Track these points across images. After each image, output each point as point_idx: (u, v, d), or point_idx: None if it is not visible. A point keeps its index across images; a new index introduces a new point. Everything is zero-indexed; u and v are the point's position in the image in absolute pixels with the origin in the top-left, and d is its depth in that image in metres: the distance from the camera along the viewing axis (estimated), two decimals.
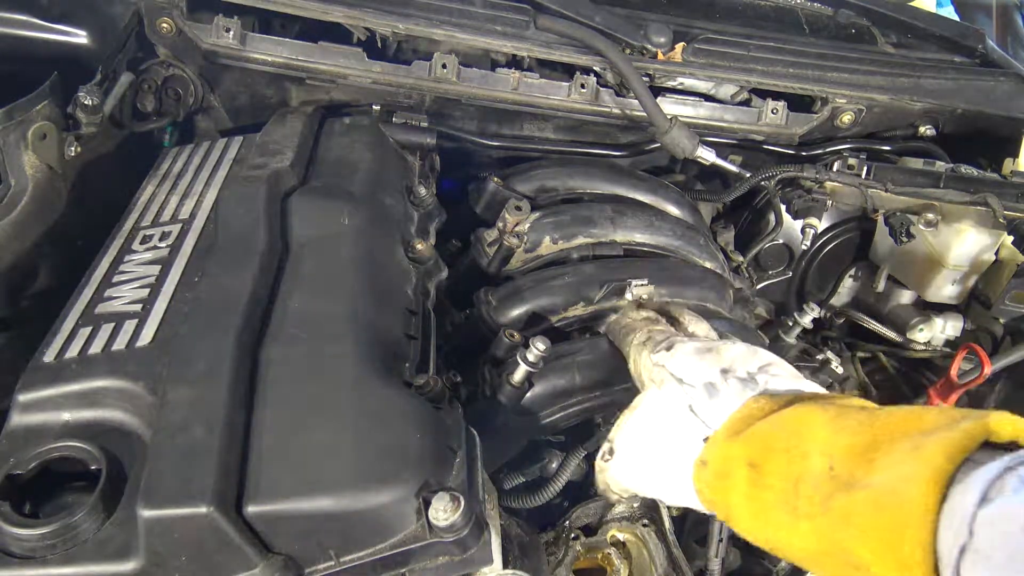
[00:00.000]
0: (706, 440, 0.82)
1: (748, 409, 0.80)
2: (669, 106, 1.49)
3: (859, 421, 0.69)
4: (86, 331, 0.89)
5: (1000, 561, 0.52)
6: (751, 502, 0.74)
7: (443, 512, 0.70)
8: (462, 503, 0.71)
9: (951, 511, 0.56)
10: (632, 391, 1.00)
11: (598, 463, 0.98)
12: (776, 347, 1.38)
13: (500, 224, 1.28)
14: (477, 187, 1.39)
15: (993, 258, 1.53)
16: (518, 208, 1.27)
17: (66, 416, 0.80)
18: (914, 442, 0.62)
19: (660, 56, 1.47)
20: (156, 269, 0.98)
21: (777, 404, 0.79)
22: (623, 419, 0.95)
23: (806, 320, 1.51)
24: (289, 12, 1.35)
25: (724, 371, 0.86)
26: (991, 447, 0.59)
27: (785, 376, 0.84)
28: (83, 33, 1.26)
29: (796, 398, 0.78)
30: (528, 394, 1.04)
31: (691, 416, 0.86)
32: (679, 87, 1.52)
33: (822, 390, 0.82)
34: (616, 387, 1.09)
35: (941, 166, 1.55)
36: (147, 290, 0.95)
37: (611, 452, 0.96)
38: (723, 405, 0.83)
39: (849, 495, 0.64)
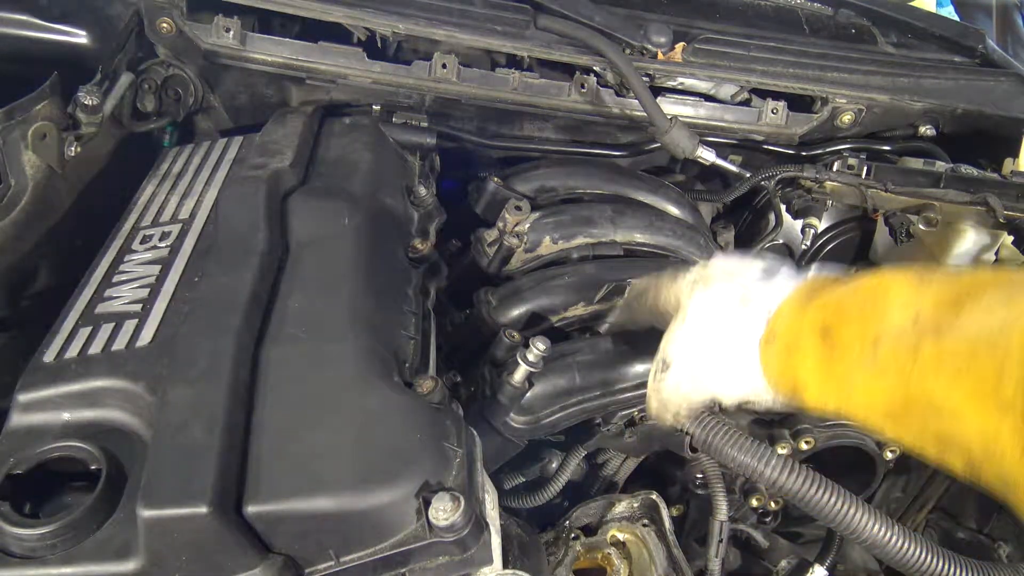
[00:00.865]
0: (768, 318, 0.80)
1: (814, 282, 0.79)
2: (669, 106, 1.49)
3: (943, 279, 0.69)
4: (86, 331, 0.89)
5: None
6: (823, 368, 0.73)
7: (443, 512, 0.70)
8: (462, 503, 0.71)
9: None
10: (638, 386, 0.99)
11: (651, 384, 0.93)
12: None
13: (500, 224, 1.28)
14: (477, 187, 1.39)
15: (993, 258, 1.52)
16: (518, 208, 1.27)
17: (66, 416, 0.80)
18: (1006, 292, 0.62)
19: (660, 56, 1.46)
20: (156, 269, 0.99)
21: (839, 279, 0.77)
22: (671, 330, 0.91)
23: None
24: (289, 12, 1.35)
25: (767, 271, 0.86)
26: None
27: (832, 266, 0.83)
28: (83, 33, 1.26)
29: (865, 270, 0.77)
30: (528, 394, 1.04)
31: (748, 301, 0.84)
32: (679, 87, 1.52)
33: None
34: (616, 387, 1.09)
35: (941, 166, 1.55)
36: (147, 290, 0.95)
37: (664, 365, 0.91)
38: (782, 285, 0.82)
39: (938, 342, 0.63)
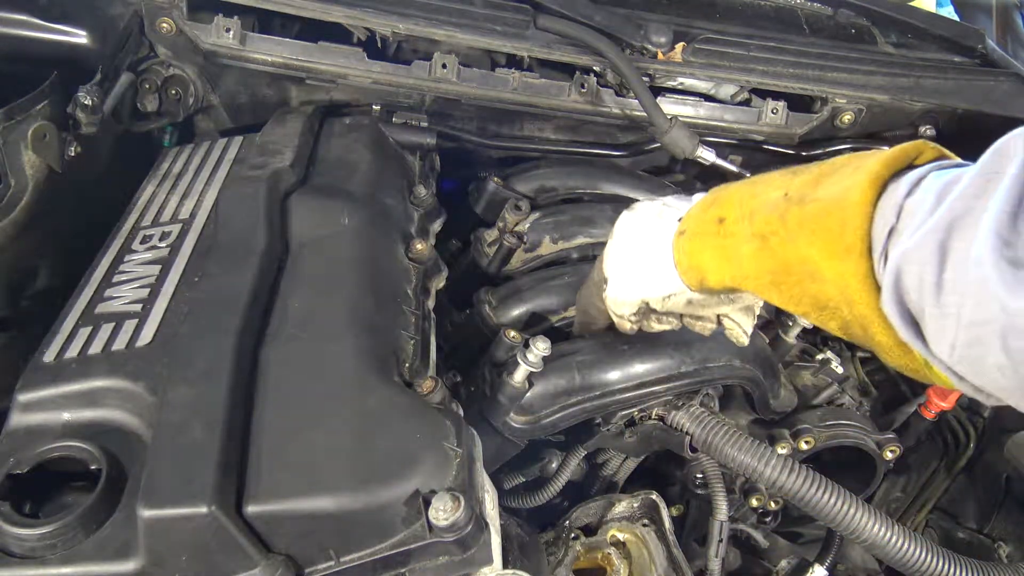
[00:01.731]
0: (680, 218, 0.91)
1: (720, 187, 0.88)
2: (669, 106, 1.49)
3: (807, 167, 0.79)
4: (86, 331, 0.89)
5: (909, 232, 0.62)
6: (719, 248, 0.83)
7: (443, 512, 0.70)
8: (462, 503, 0.71)
9: (883, 204, 0.66)
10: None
11: (604, 298, 1.01)
12: (776, 347, 1.38)
13: (500, 224, 1.28)
14: (477, 187, 1.39)
15: None
16: (518, 208, 1.27)
17: (66, 416, 0.80)
18: (856, 164, 0.72)
19: (660, 56, 1.46)
20: (156, 269, 0.98)
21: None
22: (606, 249, 1.00)
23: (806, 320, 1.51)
24: (289, 12, 1.35)
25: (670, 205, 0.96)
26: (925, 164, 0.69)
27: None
28: (83, 33, 1.26)
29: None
30: (528, 394, 1.04)
31: (666, 209, 0.95)
32: (679, 87, 1.52)
33: None
34: (616, 387, 1.09)
35: None
36: (147, 290, 0.95)
37: (605, 281, 1.00)
38: (695, 198, 0.92)
39: (801, 208, 0.73)
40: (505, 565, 0.79)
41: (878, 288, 0.66)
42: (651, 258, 0.93)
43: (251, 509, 0.70)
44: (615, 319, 1.02)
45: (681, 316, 0.98)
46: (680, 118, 1.44)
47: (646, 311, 0.98)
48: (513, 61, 1.48)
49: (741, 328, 0.97)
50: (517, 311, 1.18)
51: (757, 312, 0.98)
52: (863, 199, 0.67)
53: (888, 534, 0.99)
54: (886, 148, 0.73)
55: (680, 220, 0.91)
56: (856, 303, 0.68)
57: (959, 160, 0.69)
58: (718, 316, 0.97)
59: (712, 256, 0.84)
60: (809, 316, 0.75)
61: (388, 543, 0.72)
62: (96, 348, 0.86)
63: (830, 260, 0.69)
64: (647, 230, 0.95)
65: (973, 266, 0.55)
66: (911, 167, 0.68)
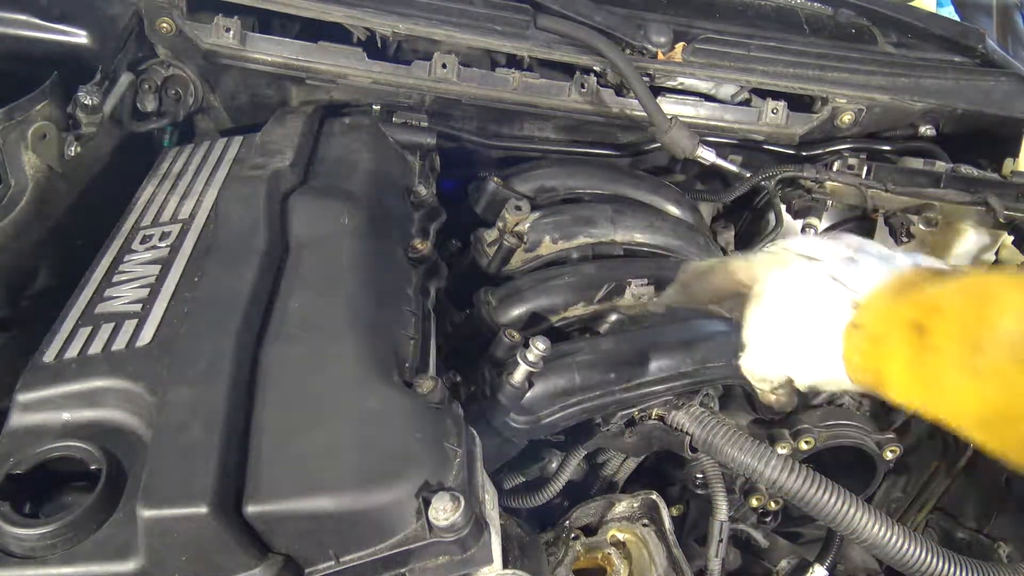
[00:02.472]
0: (856, 305, 0.77)
1: (909, 274, 0.76)
2: (669, 106, 1.49)
3: None
4: (86, 331, 0.89)
5: None
6: (914, 366, 0.71)
7: (443, 512, 0.70)
8: (462, 503, 0.71)
9: None
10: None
11: (739, 364, 0.91)
12: None
13: (500, 224, 1.28)
14: (477, 187, 1.39)
15: (993, 258, 1.52)
16: (518, 208, 1.27)
17: (66, 416, 0.80)
18: None
19: (660, 56, 1.47)
20: (156, 269, 0.98)
21: (941, 272, 0.75)
22: (747, 314, 0.87)
23: None
24: (289, 12, 1.35)
25: (856, 248, 0.82)
26: None
27: (927, 257, 0.80)
28: (83, 33, 1.26)
29: (964, 268, 0.77)
30: (528, 394, 1.04)
31: (833, 284, 0.80)
32: (679, 87, 1.52)
33: None
34: (616, 387, 1.09)
35: (941, 166, 1.55)
36: (147, 290, 0.95)
37: (743, 348, 0.89)
38: (868, 272, 0.78)
39: None
40: (505, 565, 0.79)
41: None
42: (811, 341, 0.81)
43: (251, 509, 0.70)
44: (756, 387, 0.93)
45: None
46: (680, 118, 1.44)
47: (790, 386, 0.89)
48: (513, 61, 1.48)
49: None
50: (517, 311, 1.18)
51: None
52: None
53: (888, 534, 0.98)
54: None
55: (855, 304, 0.78)
56: None
57: None
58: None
59: (903, 372, 0.72)
60: (1017, 461, 0.66)
61: (388, 543, 0.72)
62: (96, 348, 0.86)
63: None
64: (809, 304, 0.81)
65: None
66: None
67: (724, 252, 1.56)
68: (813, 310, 0.81)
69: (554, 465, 1.23)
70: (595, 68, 1.47)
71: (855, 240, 0.85)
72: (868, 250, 0.82)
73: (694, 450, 1.12)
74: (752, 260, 0.91)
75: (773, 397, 0.92)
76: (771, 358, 0.86)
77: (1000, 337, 0.65)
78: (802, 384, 0.85)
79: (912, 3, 2.05)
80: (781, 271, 0.85)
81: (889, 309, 0.75)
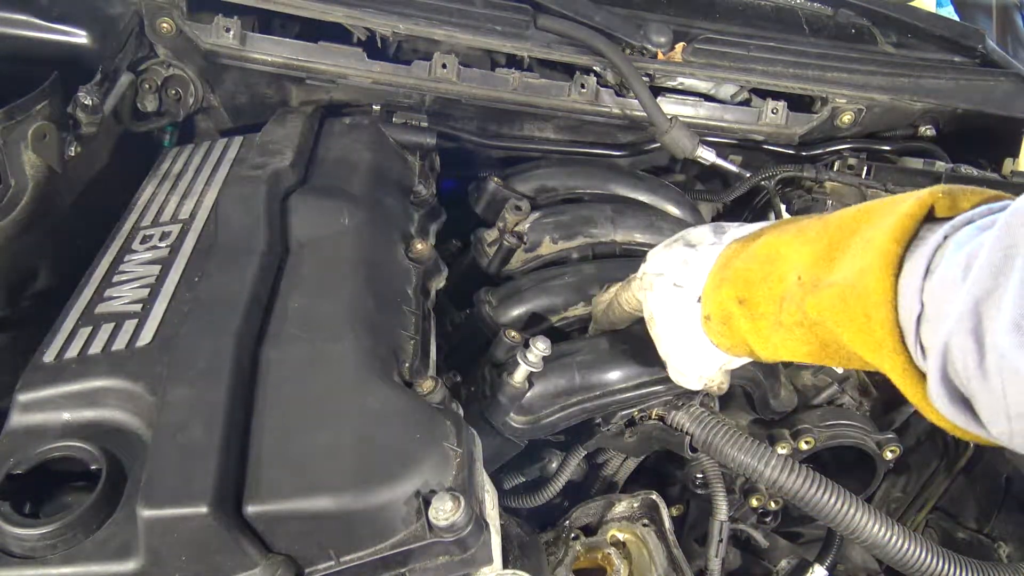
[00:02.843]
0: (699, 299, 0.87)
1: (723, 257, 0.85)
2: (669, 106, 1.49)
3: (816, 231, 0.75)
4: (86, 331, 0.89)
5: (938, 319, 0.59)
6: (755, 333, 0.80)
7: (443, 512, 0.70)
8: (462, 503, 0.71)
9: (904, 289, 0.62)
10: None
11: (672, 374, 1.00)
12: None
13: (500, 224, 1.28)
14: (477, 187, 1.39)
15: None
16: (518, 208, 1.27)
17: (66, 416, 0.80)
18: (865, 236, 0.68)
19: (660, 56, 1.47)
20: (156, 269, 0.99)
21: (746, 243, 0.84)
22: (655, 332, 0.97)
23: None
24: (289, 12, 1.35)
25: (692, 246, 0.92)
26: (934, 221, 0.65)
27: (748, 226, 0.88)
28: (83, 33, 1.26)
29: (760, 231, 0.84)
30: (528, 394, 1.04)
31: (677, 291, 0.91)
32: (679, 87, 1.52)
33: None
34: (616, 387, 1.09)
35: (941, 166, 1.55)
36: (147, 290, 0.95)
37: (664, 363, 0.99)
38: (700, 267, 0.88)
39: (816, 296, 0.70)
40: (505, 565, 0.79)
41: (920, 374, 0.64)
42: (696, 344, 0.91)
43: (251, 509, 0.70)
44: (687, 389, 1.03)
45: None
46: (680, 118, 1.44)
47: (720, 374, 0.98)
48: (513, 61, 1.48)
49: None
50: (517, 311, 1.18)
51: None
52: (881, 287, 0.63)
53: (888, 534, 0.99)
54: (891, 198, 0.69)
55: (699, 299, 0.88)
56: (902, 391, 0.65)
57: (968, 210, 0.64)
58: None
59: (753, 339, 0.82)
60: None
61: (388, 543, 0.72)
62: (96, 348, 0.86)
63: (863, 350, 0.67)
64: (678, 316, 0.92)
65: (1001, 358, 0.53)
66: (926, 220, 0.65)
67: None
68: (676, 319, 0.92)
69: (554, 465, 1.23)
70: (595, 68, 1.47)
71: (696, 233, 0.94)
72: (705, 241, 0.91)
73: (694, 450, 1.12)
74: (630, 287, 1.02)
75: (716, 389, 1.00)
76: (687, 367, 0.96)
77: (784, 291, 0.75)
78: (716, 374, 0.95)
79: (912, 3, 2.05)
80: (647, 293, 0.96)
81: (717, 293, 0.84)
